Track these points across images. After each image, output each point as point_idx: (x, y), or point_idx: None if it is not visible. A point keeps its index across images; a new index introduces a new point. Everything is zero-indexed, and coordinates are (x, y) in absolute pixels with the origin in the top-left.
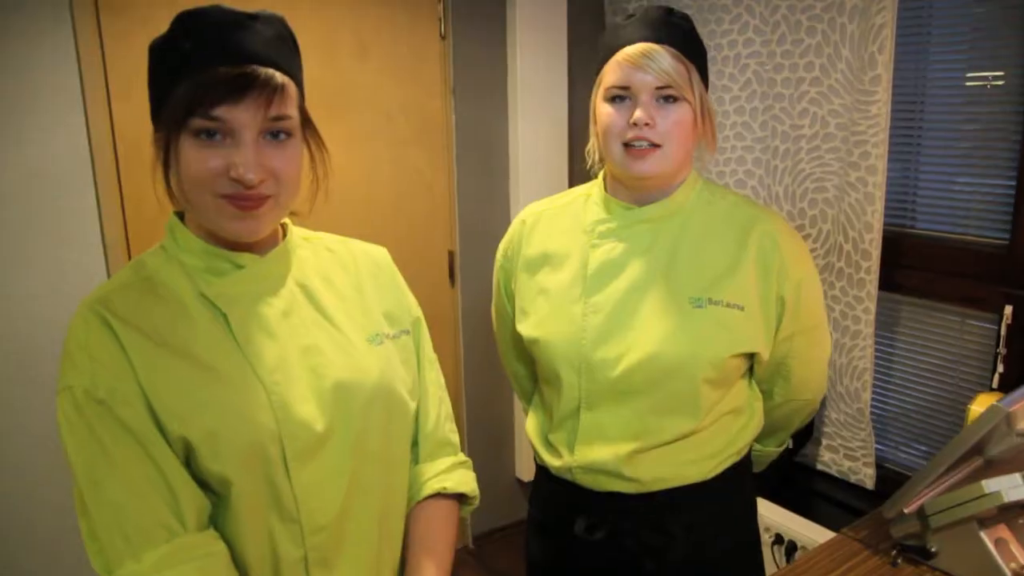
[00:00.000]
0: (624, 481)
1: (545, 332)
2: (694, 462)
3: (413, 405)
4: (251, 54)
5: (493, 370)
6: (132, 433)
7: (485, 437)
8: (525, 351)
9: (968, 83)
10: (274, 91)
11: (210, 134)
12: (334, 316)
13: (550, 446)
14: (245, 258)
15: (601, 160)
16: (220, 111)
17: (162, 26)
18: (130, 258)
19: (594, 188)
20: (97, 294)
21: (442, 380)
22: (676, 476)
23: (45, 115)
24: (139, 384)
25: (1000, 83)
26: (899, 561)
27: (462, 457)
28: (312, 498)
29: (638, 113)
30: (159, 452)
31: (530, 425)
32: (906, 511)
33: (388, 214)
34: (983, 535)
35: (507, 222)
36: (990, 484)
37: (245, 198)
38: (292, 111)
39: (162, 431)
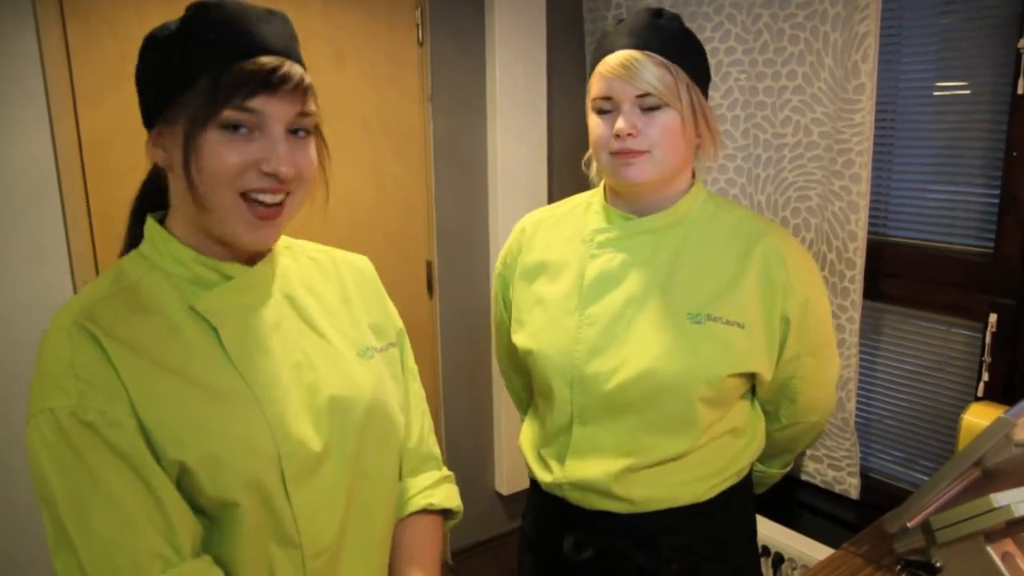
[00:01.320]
0: (614, 500)
1: (539, 343)
2: (687, 483)
3: (403, 420)
4: (281, 49)
5: (473, 382)
6: (124, 457)
7: (465, 450)
8: (520, 362)
9: (939, 93)
10: (306, 88)
11: (235, 128)
12: (323, 329)
13: (542, 460)
14: (234, 268)
15: (599, 170)
16: (256, 102)
17: (131, 31)
18: (98, 271)
19: (595, 197)
20: (78, 306)
21: (423, 393)
22: (668, 497)
23: (8, 124)
24: (132, 405)
25: (967, 92)
26: None
27: (446, 471)
28: (312, 520)
29: (619, 124)
30: (153, 477)
31: (524, 438)
32: (910, 525)
33: (364, 223)
34: (990, 549)
35: (486, 232)
36: (998, 498)
37: (273, 191)
38: (315, 109)
39: (155, 455)
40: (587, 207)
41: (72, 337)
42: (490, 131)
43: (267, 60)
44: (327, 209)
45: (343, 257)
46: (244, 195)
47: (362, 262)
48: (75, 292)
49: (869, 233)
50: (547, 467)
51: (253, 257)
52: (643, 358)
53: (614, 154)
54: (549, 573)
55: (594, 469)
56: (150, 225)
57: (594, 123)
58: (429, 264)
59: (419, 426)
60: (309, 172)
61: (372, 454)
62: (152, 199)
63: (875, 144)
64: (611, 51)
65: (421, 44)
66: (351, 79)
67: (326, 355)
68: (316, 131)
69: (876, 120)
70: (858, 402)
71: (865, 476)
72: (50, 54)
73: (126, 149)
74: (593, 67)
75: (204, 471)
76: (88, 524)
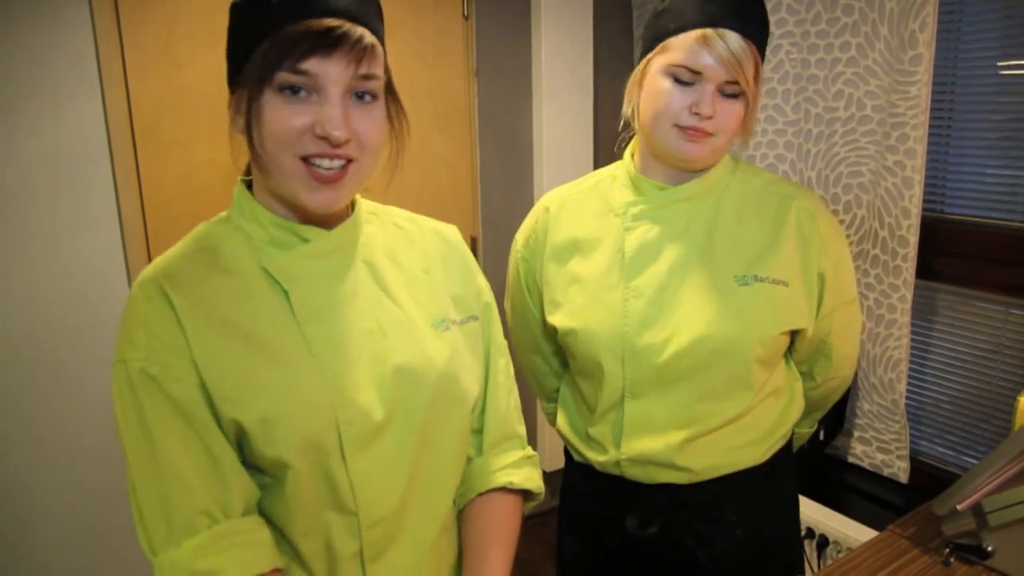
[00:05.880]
0: (677, 471)
1: (583, 321)
2: (746, 446)
3: (476, 396)
4: (342, 10)
5: (515, 357)
6: (182, 413)
7: None
8: (545, 345)
9: (1002, 64)
10: (364, 49)
11: (295, 90)
12: (400, 298)
13: (591, 441)
14: (312, 232)
15: (626, 125)
16: (309, 64)
17: (182, 5)
18: (147, 238)
19: (619, 169)
20: (161, 265)
21: (511, 369)
22: (730, 463)
23: (62, 94)
24: (193, 363)
25: None
26: (951, 560)
27: (530, 451)
28: (369, 489)
29: (704, 106)
30: (209, 434)
31: (562, 422)
32: (960, 508)
33: (410, 199)
34: None
35: (530, 208)
36: None
37: (330, 156)
38: (380, 72)
39: (215, 412)
40: (613, 180)
41: (149, 294)
42: (535, 106)
43: (324, 21)
44: (392, 176)
45: (430, 225)
46: (305, 159)
47: (450, 231)
48: (125, 257)
49: (924, 210)
50: (600, 447)
51: (332, 221)
52: (695, 325)
53: (682, 128)
54: (601, 553)
55: (654, 442)
56: (237, 188)
57: (666, 89)
58: (474, 240)
59: (504, 402)
60: (370, 138)
61: (440, 428)
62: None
63: (933, 119)
64: (713, 23)
65: (467, 18)
66: (396, 53)
67: (399, 325)
68: (388, 96)
69: (934, 95)
70: (909, 384)
71: (915, 460)
72: (102, 25)
73: (174, 119)
74: (681, 27)
75: (259, 431)
76: (146, 475)
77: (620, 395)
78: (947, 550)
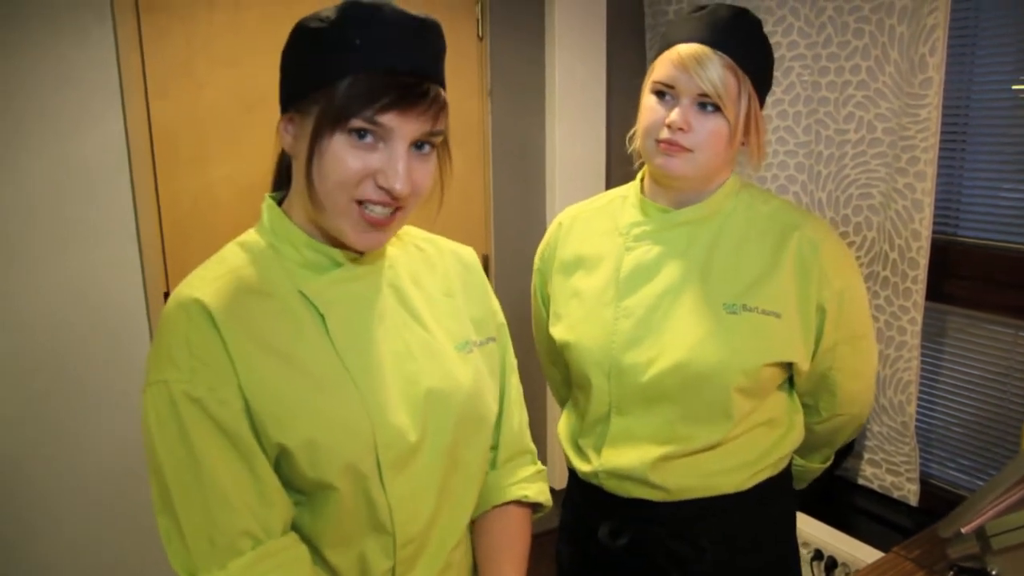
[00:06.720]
0: (650, 488)
1: (576, 336)
2: (724, 472)
3: (496, 415)
4: (424, 67)
5: (526, 375)
6: (227, 434)
7: None
8: (556, 355)
9: (1017, 89)
10: (441, 108)
11: (361, 135)
12: (425, 320)
13: (580, 450)
14: (344, 256)
15: (640, 151)
16: (386, 118)
17: (202, 24)
18: (164, 255)
19: (630, 190)
20: (199, 284)
21: (521, 388)
22: (705, 486)
23: (83, 111)
24: (239, 386)
25: None
26: None
27: (540, 466)
28: (405, 509)
29: (673, 116)
30: (252, 455)
31: (562, 429)
32: (964, 531)
33: (423, 217)
34: None
35: (542, 226)
36: None
37: (385, 204)
38: (444, 127)
39: (257, 435)
40: (623, 200)
41: (191, 314)
42: (548, 126)
43: (406, 79)
44: (437, 216)
45: (449, 247)
46: (358, 201)
47: (467, 254)
48: (142, 270)
49: (938, 233)
50: (585, 457)
51: None
52: (679, 348)
53: (659, 142)
54: (586, 561)
55: (630, 457)
56: (268, 206)
57: (649, 105)
58: (486, 258)
59: (517, 419)
60: (423, 188)
61: (466, 448)
62: (280, 177)
63: (946, 142)
64: (685, 40)
65: (481, 38)
66: None
67: (427, 347)
68: (442, 144)
69: (947, 118)
70: (921, 407)
71: (926, 483)
72: (124, 45)
73: (192, 138)
74: (663, 48)
75: (304, 454)
76: (189, 496)
77: (607, 410)
78: (951, 573)
